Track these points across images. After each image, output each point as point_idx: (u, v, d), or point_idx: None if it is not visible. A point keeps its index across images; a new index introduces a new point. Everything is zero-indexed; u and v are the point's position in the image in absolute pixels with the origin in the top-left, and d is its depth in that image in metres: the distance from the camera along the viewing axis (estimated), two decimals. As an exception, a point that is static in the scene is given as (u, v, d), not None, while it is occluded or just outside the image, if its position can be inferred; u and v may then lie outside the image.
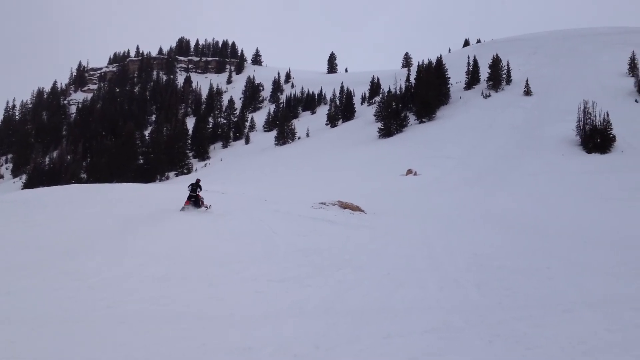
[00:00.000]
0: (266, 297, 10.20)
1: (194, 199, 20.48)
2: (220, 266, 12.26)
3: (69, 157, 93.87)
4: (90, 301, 9.00)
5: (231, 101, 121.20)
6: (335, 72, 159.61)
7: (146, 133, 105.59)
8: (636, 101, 61.94)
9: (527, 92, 72.23)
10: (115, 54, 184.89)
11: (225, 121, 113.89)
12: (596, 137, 47.56)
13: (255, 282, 11.11)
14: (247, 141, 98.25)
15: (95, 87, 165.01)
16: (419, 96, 73.93)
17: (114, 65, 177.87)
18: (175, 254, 13.11)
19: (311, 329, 8.45)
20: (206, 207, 20.68)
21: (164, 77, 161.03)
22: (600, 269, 14.06)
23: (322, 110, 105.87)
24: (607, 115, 49.09)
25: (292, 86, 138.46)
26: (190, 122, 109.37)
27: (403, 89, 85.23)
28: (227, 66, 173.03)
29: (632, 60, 74.79)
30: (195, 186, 20.95)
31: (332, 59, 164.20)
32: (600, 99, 56.91)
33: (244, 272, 11.89)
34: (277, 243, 15.49)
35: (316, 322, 8.81)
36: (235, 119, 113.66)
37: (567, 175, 39.60)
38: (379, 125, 71.46)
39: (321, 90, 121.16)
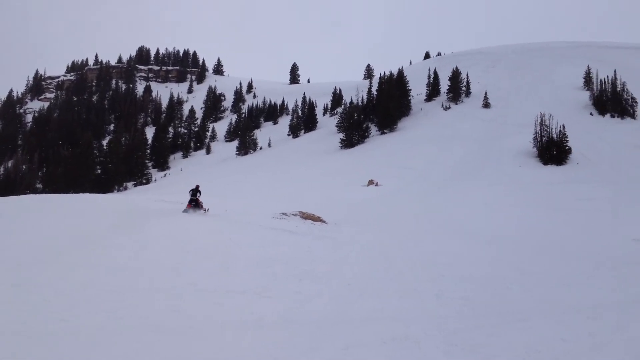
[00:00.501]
0: (225, 308, 10.11)
1: (194, 203, 22.69)
2: (178, 277, 12.05)
3: (24, 166, 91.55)
4: (43, 314, 8.73)
5: (192, 111, 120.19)
6: (298, 83, 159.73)
7: (104, 143, 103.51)
8: (591, 114, 63.70)
9: (486, 105, 73.52)
10: (73, 62, 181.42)
11: (185, 131, 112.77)
12: (552, 149, 48.65)
13: (215, 294, 10.98)
14: (208, 151, 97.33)
15: (52, 95, 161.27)
16: (381, 107, 74.48)
17: (72, 73, 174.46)
18: (133, 265, 12.84)
19: (270, 340, 8.41)
20: (204, 210, 22.72)
21: (124, 86, 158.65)
22: (555, 279, 14.40)
23: (284, 121, 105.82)
24: (563, 127, 50.31)
25: (254, 96, 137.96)
26: (149, 132, 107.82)
27: (365, 100, 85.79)
28: (188, 75, 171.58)
29: (588, 74, 76.83)
30: (195, 191, 23.16)
31: (294, 70, 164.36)
32: (557, 111, 58.34)
33: (203, 284, 11.72)
34: (237, 254, 15.34)
35: (275, 334, 8.77)
36: (196, 129, 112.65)
37: (525, 186, 40.38)
38: (341, 136, 71.70)
39: (283, 101, 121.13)
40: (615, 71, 69.47)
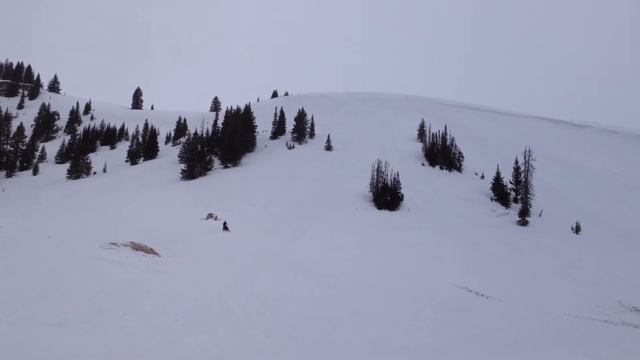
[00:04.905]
0: (35, 343, 8.98)
1: (225, 227, 36.24)
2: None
3: None
4: None
5: (21, 128, 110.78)
6: (141, 109, 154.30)
7: None
8: (423, 165, 68.14)
9: (329, 147, 75.92)
10: None
11: (12, 149, 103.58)
12: (387, 195, 51.03)
13: (26, 326, 9.74)
14: (36, 172, 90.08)
15: None
16: (226, 141, 74.11)
17: None
18: None
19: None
20: (228, 230, 36.21)
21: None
22: (382, 320, 14.85)
23: (123, 146, 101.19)
24: (397, 175, 53.08)
25: (92, 118, 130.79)
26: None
27: (210, 132, 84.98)
28: (20, 90, 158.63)
29: (422, 127, 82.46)
30: (224, 223, 36.54)
31: (137, 95, 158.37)
32: (393, 159, 61.65)
33: (15, 315, 10.31)
34: (56, 284, 13.80)
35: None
36: (24, 147, 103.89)
37: (360, 228, 41.74)
38: (183, 166, 69.98)
39: (123, 126, 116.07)
40: (445, 126, 75.23)
